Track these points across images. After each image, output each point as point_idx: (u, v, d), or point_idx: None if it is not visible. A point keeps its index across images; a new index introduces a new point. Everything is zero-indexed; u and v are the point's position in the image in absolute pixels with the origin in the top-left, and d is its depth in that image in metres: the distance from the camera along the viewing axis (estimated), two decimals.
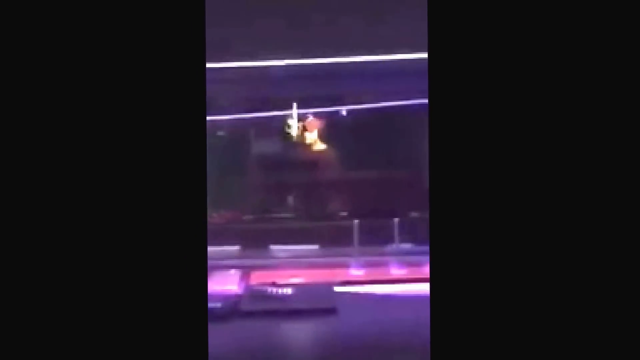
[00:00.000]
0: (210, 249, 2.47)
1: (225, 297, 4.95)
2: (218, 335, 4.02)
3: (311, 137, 7.61)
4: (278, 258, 6.36)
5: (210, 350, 2.76)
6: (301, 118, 7.59)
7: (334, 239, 6.44)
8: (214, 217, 6.72)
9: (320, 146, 7.65)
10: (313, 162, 7.55)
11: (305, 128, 7.59)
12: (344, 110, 7.31)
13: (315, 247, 6.26)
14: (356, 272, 5.82)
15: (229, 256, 6.10)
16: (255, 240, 6.45)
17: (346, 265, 5.92)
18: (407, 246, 6.08)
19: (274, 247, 6.30)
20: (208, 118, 2.50)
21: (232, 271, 5.58)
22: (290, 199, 7.52)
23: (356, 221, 5.84)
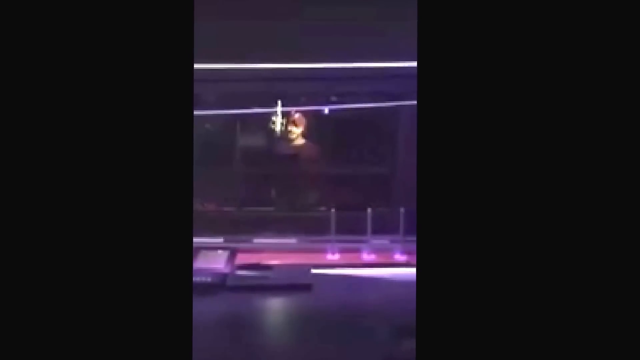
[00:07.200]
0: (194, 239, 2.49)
1: (213, 274, 5.36)
2: (207, 305, 4.58)
3: (294, 132, 7.86)
4: (260, 245, 6.59)
5: (199, 317, 3.04)
6: (285, 115, 7.77)
7: (312, 229, 6.62)
8: (199, 207, 6.86)
9: (300, 141, 7.90)
10: (294, 155, 7.77)
11: (289, 124, 7.79)
12: (326, 109, 7.53)
13: (293, 240, 6.52)
14: (331, 257, 6.22)
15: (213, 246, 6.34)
16: (239, 230, 6.66)
17: (323, 251, 6.28)
18: (379, 237, 6.37)
19: (255, 240, 6.53)
20: (196, 112, 2.63)
21: (219, 252, 5.97)
22: (272, 191, 7.73)
23: (333, 211, 6.18)
